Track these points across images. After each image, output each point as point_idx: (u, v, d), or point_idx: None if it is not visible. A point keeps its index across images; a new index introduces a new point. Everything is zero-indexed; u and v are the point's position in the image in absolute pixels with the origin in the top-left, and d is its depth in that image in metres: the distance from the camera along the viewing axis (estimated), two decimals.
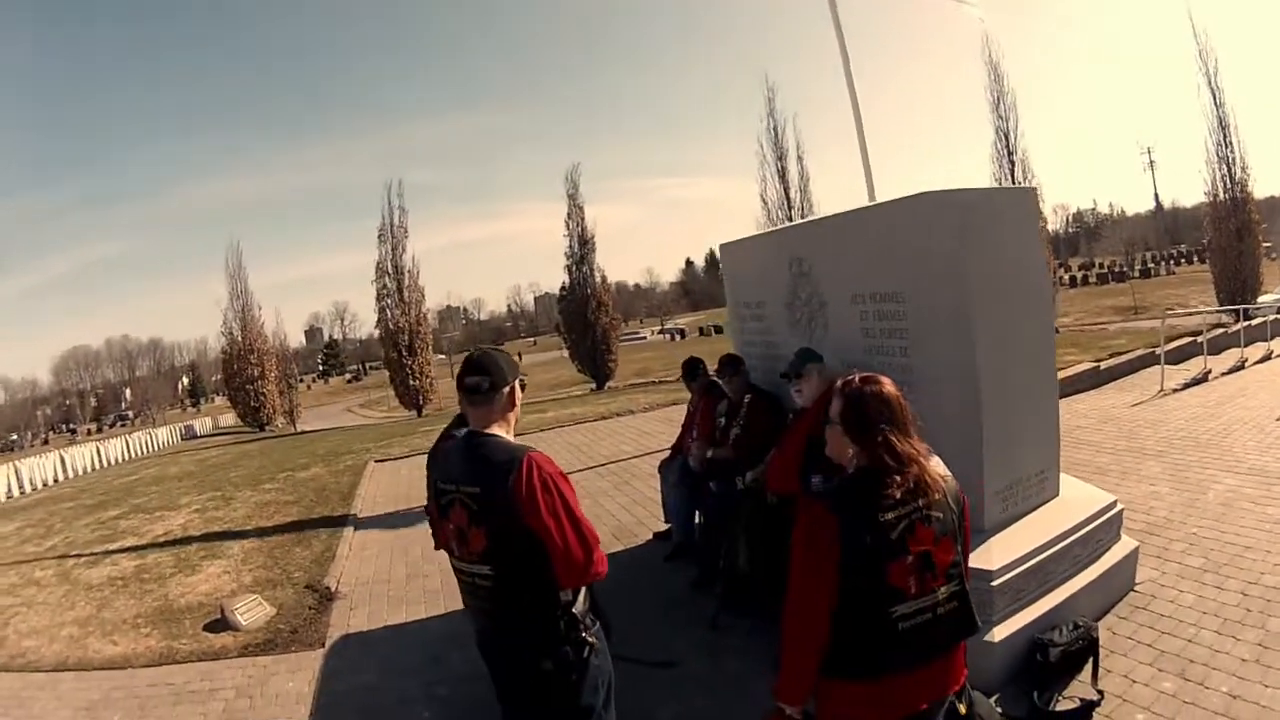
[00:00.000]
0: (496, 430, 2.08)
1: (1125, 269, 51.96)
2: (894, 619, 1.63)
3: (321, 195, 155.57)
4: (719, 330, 48.84)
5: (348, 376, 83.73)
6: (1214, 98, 19.33)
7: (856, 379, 1.84)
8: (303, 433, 27.01)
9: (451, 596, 5.51)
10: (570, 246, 22.95)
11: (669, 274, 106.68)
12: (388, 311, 24.44)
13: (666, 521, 5.08)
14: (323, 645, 5.08)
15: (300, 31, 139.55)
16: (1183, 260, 63.55)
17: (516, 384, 2.15)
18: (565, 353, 25.37)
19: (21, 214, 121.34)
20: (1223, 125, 19.42)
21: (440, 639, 4.55)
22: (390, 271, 24.37)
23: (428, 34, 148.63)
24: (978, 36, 21.30)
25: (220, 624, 5.59)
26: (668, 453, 5.32)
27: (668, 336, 58.19)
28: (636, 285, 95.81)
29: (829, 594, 1.65)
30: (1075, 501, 3.56)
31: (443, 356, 29.19)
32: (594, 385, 23.46)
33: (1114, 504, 3.64)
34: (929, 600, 1.67)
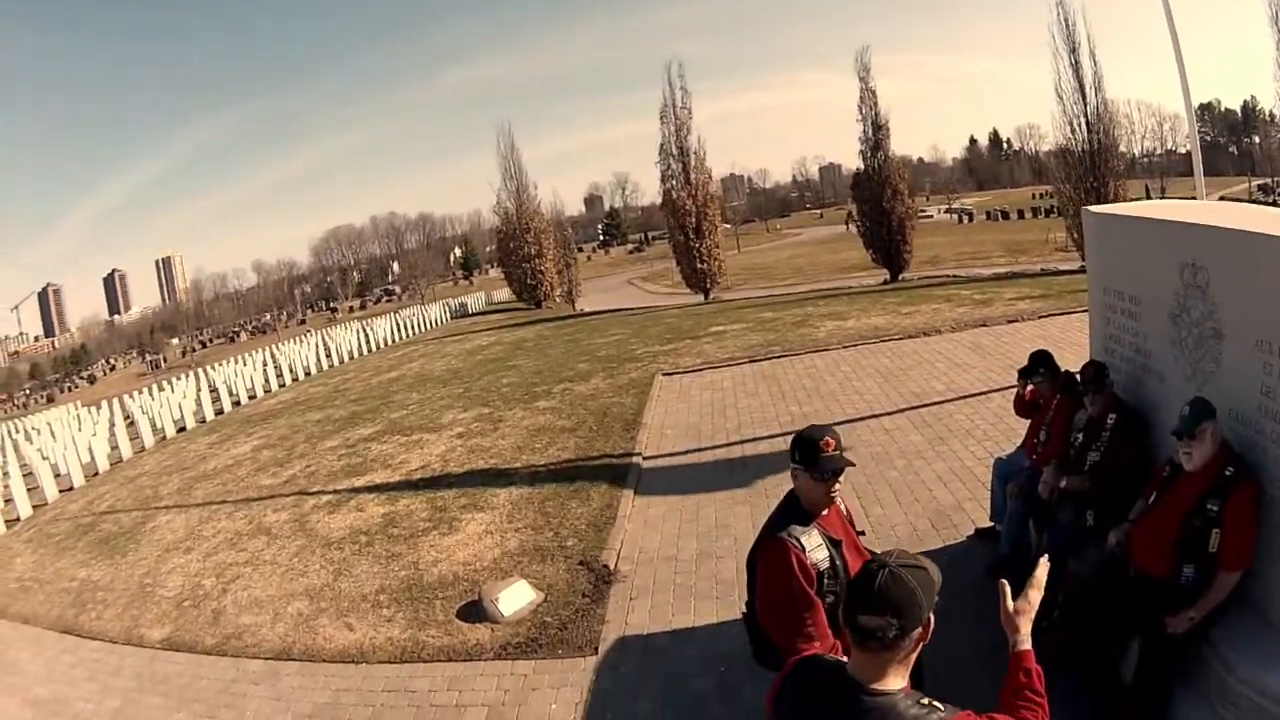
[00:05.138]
0: (891, 682, 2.71)
1: None
2: None
3: (594, 70, 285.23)
4: (1005, 215, 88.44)
5: (629, 247, 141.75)
6: None
7: None
8: (582, 315, 39.01)
9: (744, 594, 7.39)
10: (864, 131, 38.58)
11: (952, 150, 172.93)
12: (673, 194, 41.84)
13: (992, 519, 7.60)
14: (595, 651, 6.93)
15: None
16: None
17: (932, 615, 2.74)
18: (851, 228, 44.98)
19: (290, 103, 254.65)
20: None
21: (733, 657, 5.94)
22: (675, 153, 41.74)
23: None
24: None
25: (477, 610, 7.95)
26: (1004, 445, 8.12)
27: (955, 218, 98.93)
28: (920, 159, 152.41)
29: None
30: None
31: (728, 227, 46.62)
32: (887, 276, 38.40)
33: None
34: None
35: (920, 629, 2.68)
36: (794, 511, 4.19)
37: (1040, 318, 17.15)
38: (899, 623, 2.60)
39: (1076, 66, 33.37)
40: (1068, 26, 33.27)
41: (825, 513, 4.21)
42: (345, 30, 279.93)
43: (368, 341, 42.20)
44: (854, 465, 4.33)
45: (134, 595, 11.00)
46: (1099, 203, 29.40)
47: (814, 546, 4.05)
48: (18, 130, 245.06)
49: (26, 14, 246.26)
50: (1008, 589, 3.19)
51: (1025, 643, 3.07)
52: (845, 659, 2.86)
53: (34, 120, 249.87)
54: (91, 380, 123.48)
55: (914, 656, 2.74)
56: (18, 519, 18.94)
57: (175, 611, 10.00)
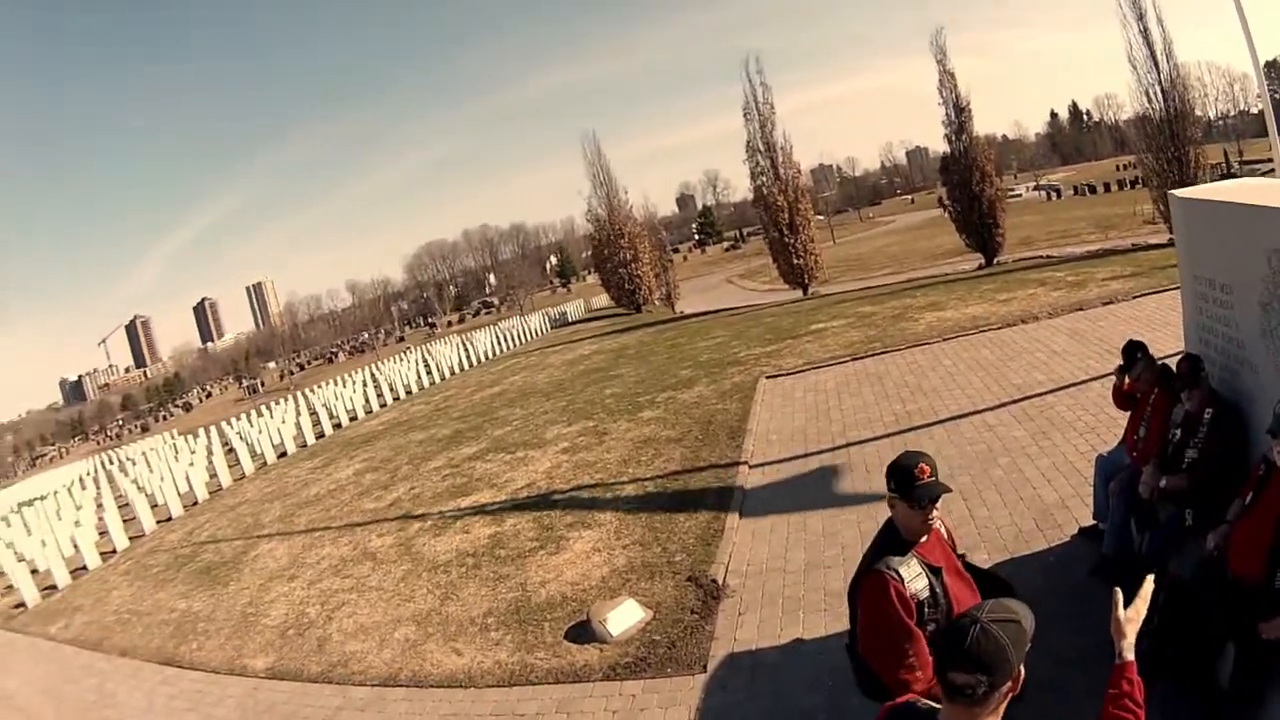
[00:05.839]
0: None
1: None
2: None
3: (674, 68, 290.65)
4: (1092, 190, 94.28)
5: (726, 245, 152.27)
6: None
7: None
8: (682, 318, 40.91)
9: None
10: (946, 114, 39.96)
11: (1034, 125, 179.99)
12: (764, 190, 43.97)
13: (1095, 517, 7.80)
14: (704, 669, 7.11)
15: None
16: None
17: (1022, 667, 2.90)
18: (944, 213, 47.33)
19: (368, 119, 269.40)
20: None
21: (840, 671, 5.86)
22: (762, 150, 43.91)
23: None
24: None
25: (585, 630, 8.18)
26: (1105, 437, 8.60)
27: (1043, 195, 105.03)
28: (1004, 137, 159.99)
29: None
30: None
31: (821, 219, 46.19)
32: (981, 260, 39.85)
33: None
34: None
35: (1010, 683, 2.80)
36: (892, 541, 4.36)
37: (1134, 298, 17.57)
38: (989, 679, 2.73)
39: (1145, 34, 34.28)
40: None
41: (924, 539, 4.36)
42: (422, 42, 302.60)
43: (468, 356, 43.76)
44: (950, 491, 4.49)
45: (236, 625, 11.64)
46: (1180, 171, 31.59)
47: (912, 577, 4.22)
48: (99, 170, 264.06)
49: (105, 59, 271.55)
50: (1120, 598, 3.28)
51: (1130, 652, 3.16)
52: (939, 705, 3.00)
53: (114, 158, 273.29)
54: (187, 408, 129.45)
55: (1004, 706, 2.86)
56: (114, 551, 20.03)
57: (279, 640, 10.53)
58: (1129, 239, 38.11)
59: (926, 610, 4.17)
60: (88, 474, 45.92)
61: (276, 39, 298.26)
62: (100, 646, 12.95)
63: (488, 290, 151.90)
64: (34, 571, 19.30)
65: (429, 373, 40.00)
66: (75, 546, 20.03)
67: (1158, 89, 34.13)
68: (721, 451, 12.87)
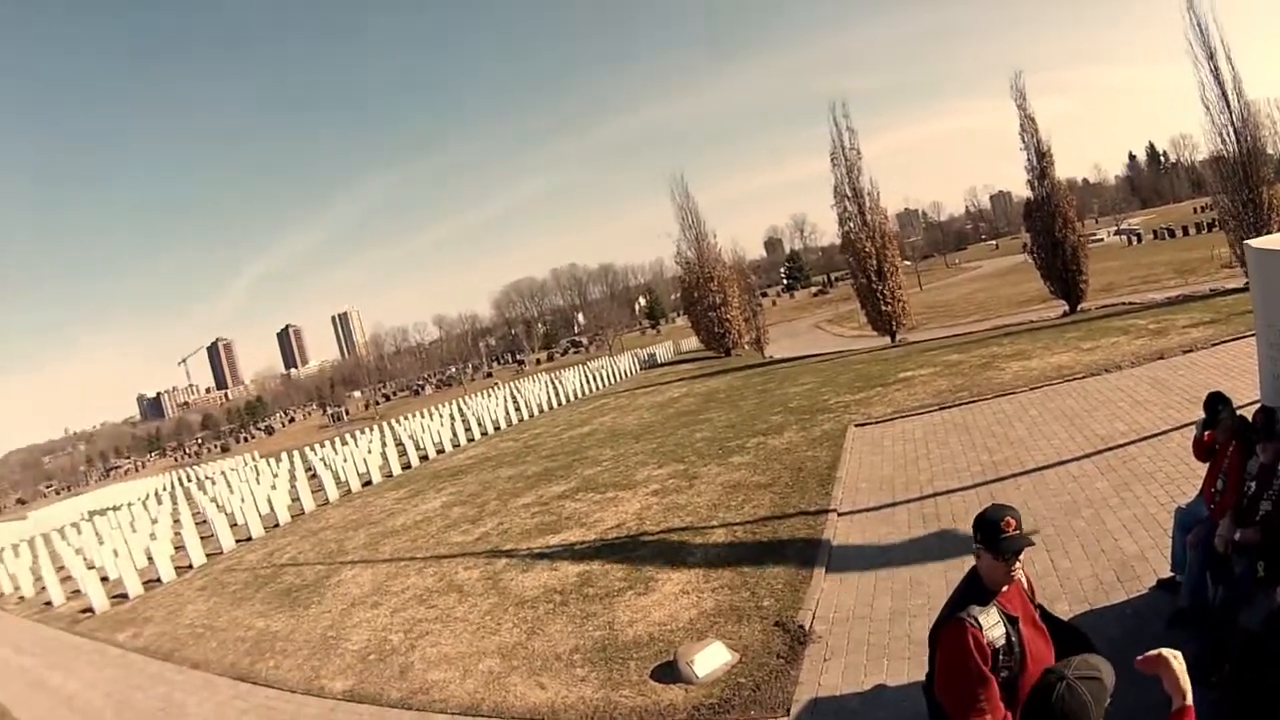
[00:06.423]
0: None
1: None
2: None
3: (761, 110, 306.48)
4: (1171, 234, 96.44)
5: (814, 290, 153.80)
6: None
7: None
8: (772, 362, 41.34)
9: None
10: (1028, 159, 40.09)
11: (1113, 167, 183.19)
12: (851, 235, 44.17)
13: (1173, 570, 7.96)
14: (787, 712, 7.15)
15: None
16: None
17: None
18: (1029, 259, 47.28)
19: (458, 158, 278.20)
20: None
21: (920, 718, 5.78)
22: (849, 194, 44.09)
23: None
24: None
25: (671, 671, 8.25)
26: (1184, 488, 8.87)
27: (1124, 239, 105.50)
28: (1085, 180, 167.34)
29: None
30: None
31: (908, 264, 48.02)
32: (1065, 307, 39.91)
33: None
34: None
35: None
36: (975, 590, 4.58)
37: (1214, 345, 17.95)
38: None
39: (1216, 72, 34.03)
40: (1202, 32, 33.89)
41: (1005, 589, 4.57)
42: (513, 85, 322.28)
43: (557, 394, 44.37)
44: (1034, 545, 4.68)
45: (316, 647, 11.95)
46: (1255, 214, 31.36)
47: (991, 625, 4.44)
48: (191, 194, 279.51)
49: (205, 92, 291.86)
50: (1180, 662, 3.31)
51: (1190, 697, 3.22)
52: None
53: (207, 183, 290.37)
54: (269, 431, 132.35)
55: None
56: (189, 566, 20.71)
57: (360, 665, 10.77)
58: (1207, 284, 38.60)
59: (1001, 658, 4.39)
60: (163, 489, 47.31)
61: (373, 82, 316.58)
62: (171, 657, 13.47)
63: (576, 329, 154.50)
64: (104, 579, 19.91)
65: (517, 409, 40.54)
66: (150, 559, 20.78)
67: (1230, 129, 33.87)
68: (811, 498, 12.90)
